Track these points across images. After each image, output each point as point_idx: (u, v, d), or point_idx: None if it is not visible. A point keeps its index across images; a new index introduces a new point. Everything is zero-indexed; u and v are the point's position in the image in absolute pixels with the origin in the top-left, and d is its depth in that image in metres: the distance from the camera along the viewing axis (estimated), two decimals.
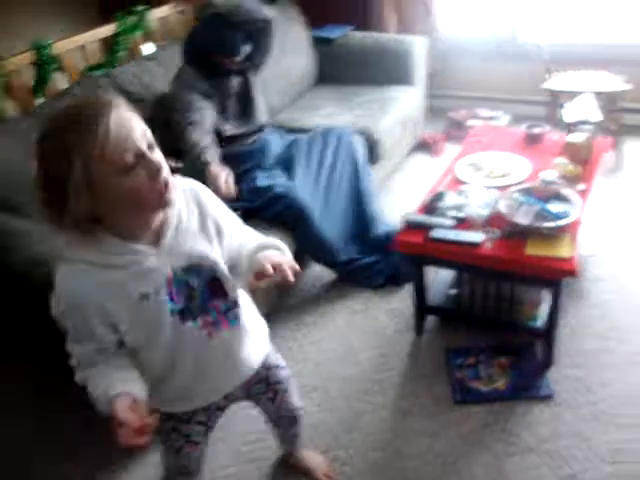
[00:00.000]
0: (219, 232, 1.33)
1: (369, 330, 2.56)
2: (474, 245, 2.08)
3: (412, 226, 2.23)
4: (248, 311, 1.45)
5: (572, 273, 2.00)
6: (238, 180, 2.36)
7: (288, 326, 2.60)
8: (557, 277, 2.06)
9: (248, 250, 1.35)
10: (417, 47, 3.74)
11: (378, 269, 2.76)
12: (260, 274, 1.25)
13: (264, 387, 1.62)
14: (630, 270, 2.71)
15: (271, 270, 1.23)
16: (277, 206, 2.52)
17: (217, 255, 1.30)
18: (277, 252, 1.33)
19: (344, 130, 2.96)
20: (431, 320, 2.53)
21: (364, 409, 2.21)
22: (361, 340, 2.51)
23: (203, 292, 1.29)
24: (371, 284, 2.76)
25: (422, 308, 2.43)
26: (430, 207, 2.28)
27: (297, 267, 1.29)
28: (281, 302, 2.67)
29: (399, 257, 2.68)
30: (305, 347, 2.50)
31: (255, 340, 1.49)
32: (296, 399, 1.76)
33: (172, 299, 1.24)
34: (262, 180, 2.62)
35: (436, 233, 2.15)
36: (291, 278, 1.25)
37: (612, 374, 2.22)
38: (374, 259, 2.77)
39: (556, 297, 2.11)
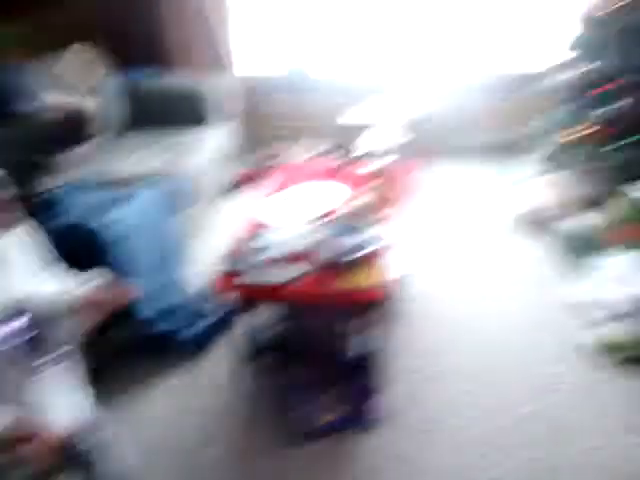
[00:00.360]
0: (38, 278, 1.37)
1: (203, 384, 2.48)
2: (284, 283, 2.08)
3: (227, 271, 2.19)
4: (61, 369, 1.42)
5: (380, 299, 2.07)
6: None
7: (118, 397, 2.42)
8: (367, 305, 2.11)
9: (67, 290, 1.37)
10: (222, 87, 3.79)
11: (189, 333, 2.64)
12: (93, 303, 1.31)
13: (80, 454, 1.53)
14: (441, 289, 2.88)
15: (100, 295, 1.31)
16: (78, 236, 2.34)
17: (37, 297, 1.31)
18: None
19: (167, 188, 2.86)
20: (262, 361, 2.49)
21: (204, 464, 2.13)
22: (196, 395, 2.43)
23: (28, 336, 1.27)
24: (192, 346, 2.65)
25: (250, 351, 2.40)
26: (242, 249, 2.26)
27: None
28: (112, 374, 2.48)
29: (216, 307, 2.66)
30: (140, 415, 2.36)
31: (67, 399, 1.45)
32: (117, 467, 1.66)
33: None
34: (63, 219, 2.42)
35: (248, 276, 2.13)
36: (129, 293, 1.38)
37: (427, 391, 2.33)
38: (185, 324, 2.65)
39: (371, 324, 2.16)
